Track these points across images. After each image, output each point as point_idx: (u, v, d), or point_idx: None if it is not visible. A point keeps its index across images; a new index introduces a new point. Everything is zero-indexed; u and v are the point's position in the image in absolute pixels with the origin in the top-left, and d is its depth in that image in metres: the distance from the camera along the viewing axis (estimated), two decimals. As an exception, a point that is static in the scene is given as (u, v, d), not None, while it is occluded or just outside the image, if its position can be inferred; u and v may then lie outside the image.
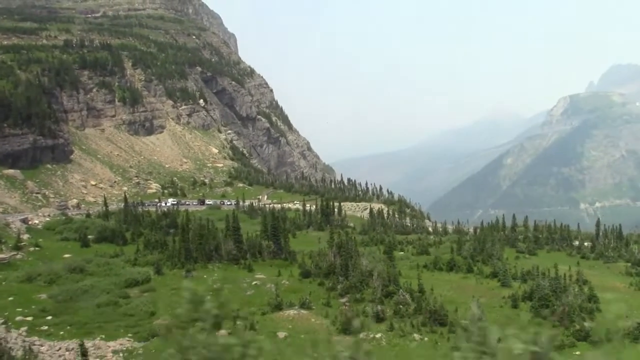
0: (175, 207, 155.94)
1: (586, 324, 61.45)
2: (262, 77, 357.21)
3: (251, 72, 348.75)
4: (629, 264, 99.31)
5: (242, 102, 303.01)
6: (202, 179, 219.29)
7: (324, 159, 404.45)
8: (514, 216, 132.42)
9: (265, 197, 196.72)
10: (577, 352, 54.29)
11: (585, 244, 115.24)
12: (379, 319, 60.66)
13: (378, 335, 55.54)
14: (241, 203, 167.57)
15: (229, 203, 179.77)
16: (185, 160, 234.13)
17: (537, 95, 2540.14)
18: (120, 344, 55.70)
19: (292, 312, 63.57)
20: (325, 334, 56.06)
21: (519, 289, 78.65)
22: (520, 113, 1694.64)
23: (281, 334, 55.80)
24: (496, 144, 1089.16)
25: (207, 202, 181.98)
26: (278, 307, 64.97)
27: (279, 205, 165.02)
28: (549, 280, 69.38)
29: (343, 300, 70.54)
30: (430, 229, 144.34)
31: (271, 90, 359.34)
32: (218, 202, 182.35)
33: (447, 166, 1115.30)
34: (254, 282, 77.36)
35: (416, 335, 56.09)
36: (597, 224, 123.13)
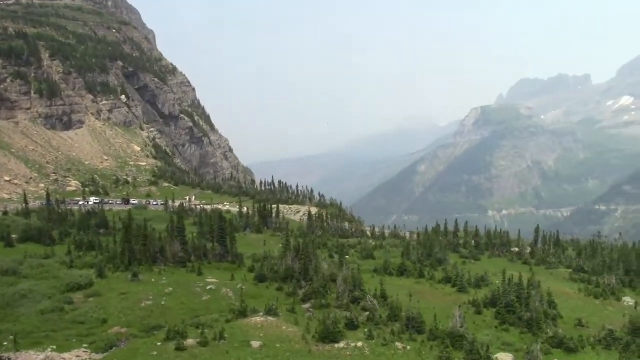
0: (99, 206, 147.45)
1: (560, 330, 61.29)
2: (184, 75, 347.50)
3: (173, 70, 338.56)
4: (571, 270, 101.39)
5: (165, 100, 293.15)
6: (125, 177, 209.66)
7: (241, 161, 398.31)
8: (456, 222, 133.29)
9: (193, 197, 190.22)
10: (555, 360, 53.78)
11: (527, 250, 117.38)
12: (353, 326, 57.96)
13: (359, 344, 52.74)
14: (170, 203, 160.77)
15: (155, 203, 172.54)
16: (106, 157, 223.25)
17: (451, 105, 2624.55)
18: (77, 356, 50.19)
19: (258, 319, 59.72)
20: (302, 344, 52.90)
21: (476, 295, 78.37)
22: (435, 121, 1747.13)
23: (255, 344, 51.96)
24: (411, 151, 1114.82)
25: (132, 201, 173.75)
26: (242, 314, 60.95)
27: (209, 207, 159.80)
28: (514, 286, 68.82)
29: (306, 306, 67.35)
30: (369, 233, 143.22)
31: (193, 89, 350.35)
32: (144, 201, 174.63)
33: (363, 172, 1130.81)
34: (208, 287, 72.75)
35: (398, 344, 53.72)
36: (537, 231, 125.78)
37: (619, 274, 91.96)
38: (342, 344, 52.38)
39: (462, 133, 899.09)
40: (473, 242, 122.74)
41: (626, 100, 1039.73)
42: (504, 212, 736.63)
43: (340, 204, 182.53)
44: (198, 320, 59.35)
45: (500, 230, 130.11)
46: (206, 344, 51.77)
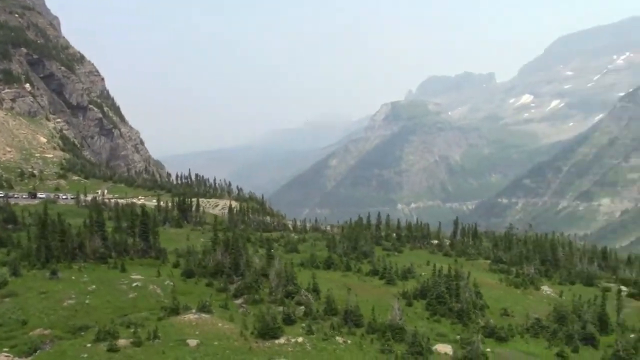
0: (4, 200, 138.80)
1: (491, 320, 62.90)
2: (92, 64, 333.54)
3: (81, 59, 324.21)
4: (489, 261, 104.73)
5: (73, 89, 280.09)
6: (30, 170, 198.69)
7: (151, 154, 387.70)
8: (379, 214, 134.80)
9: (105, 191, 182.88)
10: (488, 349, 55.10)
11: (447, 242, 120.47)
12: (290, 321, 57.13)
13: (300, 340, 51.99)
14: (82, 197, 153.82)
15: (65, 197, 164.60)
16: (9, 149, 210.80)
17: (362, 100, 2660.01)
18: (-1, 361, 46.73)
19: (192, 316, 57.79)
20: (241, 341, 51.59)
21: (404, 287, 79.38)
22: (347, 116, 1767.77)
23: (192, 342, 50.16)
24: (323, 145, 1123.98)
25: (39, 195, 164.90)
26: (174, 312, 58.82)
27: (123, 201, 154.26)
28: (443, 278, 70.10)
29: (239, 301, 65.93)
30: (291, 227, 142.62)
31: (102, 79, 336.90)
32: (52, 195, 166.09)
33: (276, 166, 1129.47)
34: (134, 284, 69.76)
35: (339, 338, 53.38)
36: (456, 223, 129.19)
37: (536, 264, 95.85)
38: (282, 340, 51.51)
39: (373, 128, 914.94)
40: (394, 234, 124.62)
41: (526, 98, 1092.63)
42: (413, 205, 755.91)
43: (262, 197, 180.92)
44: (128, 319, 56.76)
45: (421, 222, 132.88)
46: (140, 343, 49.51)
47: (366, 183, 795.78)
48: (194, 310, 59.56)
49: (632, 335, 58.57)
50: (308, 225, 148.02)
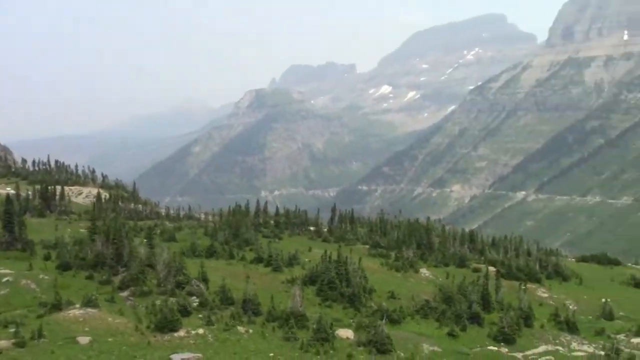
0: None
1: (384, 303, 64.34)
2: None
3: None
4: (368, 246, 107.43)
5: None
6: None
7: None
8: (257, 202, 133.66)
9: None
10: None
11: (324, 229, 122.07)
12: (186, 312, 54.97)
13: (201, 331, 50.09)
14: None
15: None
16: None
17: (225, 87, 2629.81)
18: None
19: (77, 312, 53.84)
20: (137, 335, 48.88)
21: (291, 273, 79.40)
22: (210, 103, 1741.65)
23: (83, 340, 46.65)
24: (185, 132, 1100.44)
25: None
26: (56, 308, 54.49)
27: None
28: (333, 263, 70.76)
29: (125, 294, 62.48)
30: (164, 215, 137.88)
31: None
32: None
33: (135, 152, 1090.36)
34: (4, 279, 63.89)
35: (240, 328, 52.04)
36: (333, 209, 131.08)
37: (413, 248, 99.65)
38: (182, 332, 49.33)
39: (237, 115, 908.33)
40: (272, 221, 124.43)
41: (385, 89, 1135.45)
42: (276, 192, 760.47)
43: (135, 184, 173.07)
44: (3, 318, 51.74)
45: (299, 209, 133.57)
46: (24, 344, 45.24)
47: (230, 170, 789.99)
48: (77, 305, 55.58)
49: (511, 313, 62.43)
50: (182, 213, 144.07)
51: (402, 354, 49.70)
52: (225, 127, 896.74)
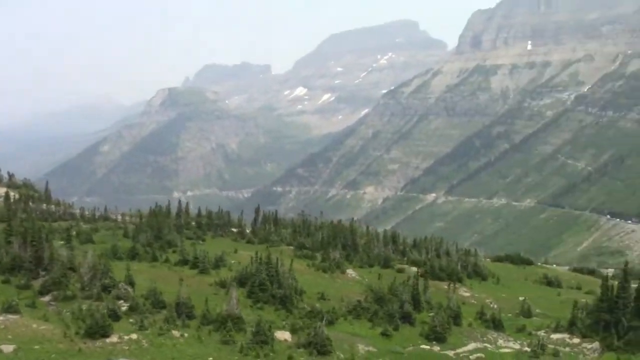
0: None
1: (317, 305, 64.23)
2: None
3: None
4: (292, 247, 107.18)
5: None
6: None
7: None
8: (179, 202, 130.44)
9: None
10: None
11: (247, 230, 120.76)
12: (116, 317, 52.77)
13: (134, 337, 48.17)
14: None
15: None
16: None
17: (137, 85, 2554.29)
18: None
19: (-4, 319, 50.64)
20: (66, 342, 46.49)
21: (218, 275, 78.07)
22: (121, 101, 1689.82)
23: (7, 348, 43.82)
24: (93, 130, 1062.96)
25: None
26: (-27, 314, 51.11)
27: None
28: (264, 265, 70.04)
29: (46, 299, 59.33)
30: (79, 216, 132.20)
31: None
32: None
33: (40, 151, 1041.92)
34: None
35: (175, 332, 50.43)
36: (257, 210, 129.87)
37: (339, 249, 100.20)
38: (114, 338, 47.25)
39: (149, 113, 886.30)
40: (194, 223, 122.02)
41: (300, 91, 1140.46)
42: (189, 193, 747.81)
43: (47, 184, 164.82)
44: None
45: (222, 209, 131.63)
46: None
47: (141, 170, 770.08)
48: (-5, 312, 52.23)
49: (442, 312, 63.93)
50: (97, 214, 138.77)
51: (341, 355, 49.82)
52: (136, 126, 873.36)
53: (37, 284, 61.91)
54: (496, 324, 64.29)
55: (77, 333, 47.65)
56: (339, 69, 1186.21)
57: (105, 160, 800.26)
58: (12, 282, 63.58)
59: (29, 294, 60.02)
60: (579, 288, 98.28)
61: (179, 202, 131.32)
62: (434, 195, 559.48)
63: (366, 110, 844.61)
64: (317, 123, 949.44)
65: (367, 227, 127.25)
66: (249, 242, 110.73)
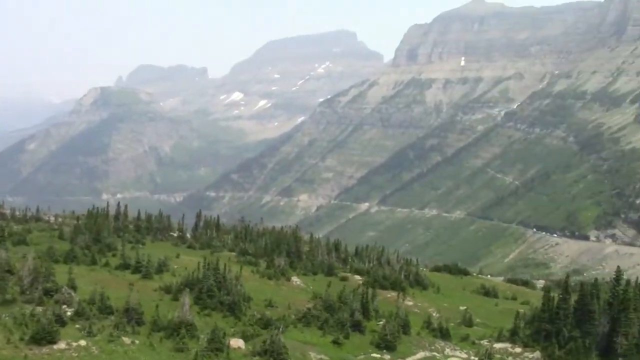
0: None
1: (267, 312, 63.64)
2: None
3: None
4: (234, 253, 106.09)
5: None
6: None
7: None
8: (119, 204, 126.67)
9: None
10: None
11: (188, 235, 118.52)
12: (61, 322, 50.71)
13: (83, 343, 46.37)
14: None
15: None
16: None
17: (68, 82, 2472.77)
18: None
19: None
20: (10, 349, 44.38)
21: (161, 281, 76.44)
22: (50, 98, 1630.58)
23: (-54, 354, 41.48)
24: (19, 128, 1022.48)
25: None
26: None
27: None
28: (212, 271, 68.98)
29: (-18, 303, 56.44)
30: (9, 216, 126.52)
31: None
32: None
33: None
34: None
35: (125, 339, 48.83)
36: (198, 215, 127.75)
37: (283, 256, 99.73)
38: (62, 345, 45.38)
39: (79, 112, 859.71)
40: (132, 226, 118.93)
41: (237, 96, 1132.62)
42: (119, 195, 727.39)
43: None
44: None
45: (162, 213, 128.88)
46: None
47: (69, 170, 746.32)
48: None
49: (393, 321, 64.51)
50: (29, 214, 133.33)
51: (296, 363, 49.57)
52: (65, 125, 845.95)
53: (-28, 287, 58.89)
54: (443, 333, 65.44)
55: (21, 339, 45.55)
56: (277, 75, 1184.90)
57: (31, 159, 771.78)
58: (-57, 285, 60.28)
59: (-34, 298, 57.09)
60: (514, 298, 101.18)
61: (118, 204, 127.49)
62: (367, 204, 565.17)
63: (302, 118, 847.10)
64: (252, 129, 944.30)
65: (311, 235, 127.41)
66: (190, 247, 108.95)
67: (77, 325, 51.21)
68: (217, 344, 47.64)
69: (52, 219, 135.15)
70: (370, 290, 73.19)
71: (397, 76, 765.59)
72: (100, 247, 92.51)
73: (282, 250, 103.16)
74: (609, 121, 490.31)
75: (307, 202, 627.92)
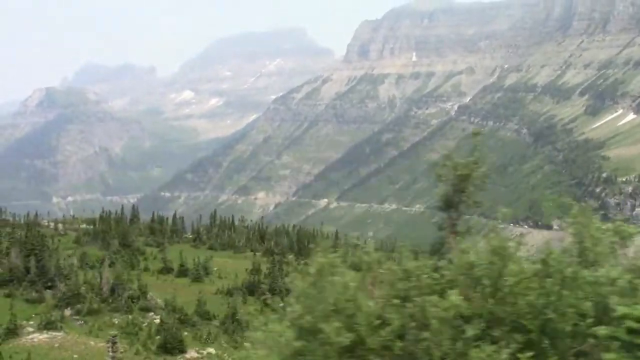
0: None
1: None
2: None
3: None
4: (257, 253, 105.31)
5: None
6: None
7: None
8: (134, 206, 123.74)
9: None
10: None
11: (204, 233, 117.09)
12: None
13: (212, 351, 45.67)
14: None
15: None
16: None
17: (9, 83, 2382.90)
18: None
19: (41, 336, 46.16)
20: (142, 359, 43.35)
21: (212, 284, 75.70)
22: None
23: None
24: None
25: None
26: (12, 332, 46.18)
27: None
28: (279, 273, 68.62)
29: (68, 313, 54.77)
30: (10, 221, 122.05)
31: None
32: None
33: None
34: None
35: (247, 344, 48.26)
36: (213, 215, 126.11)
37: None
38: (193, 353, 44.64)
39: (24, 114, 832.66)
40: (141, 229, 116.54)
41: (187, 94, 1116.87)
42: (70, 198, 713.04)
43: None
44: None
45: (177, 215, 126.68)
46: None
47: (14, 175, 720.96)
48: (31, 329, 47.58)
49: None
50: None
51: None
52: (9, 127, 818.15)
53: (55, 297, 56.97)
54: None
55: (147, 348, 44.43)
56: (227, 73, 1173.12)
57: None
58: (17, 295, 57.98)
59: (43, 308, 55.16)
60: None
61: (134, 206, 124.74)
62: (325, 200, 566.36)
63: (255, 116, 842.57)
64: (205, 127, 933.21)
65: (337, 232, 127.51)
66: (210, 248, 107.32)
67: (185, 333, 50.22)
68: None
69: (50, 224, 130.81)
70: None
71: (349, 72, 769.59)
72: (132, 251, 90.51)
73: (304, 247, 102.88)
74: (560, 113, 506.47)
75: (264, 200, 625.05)
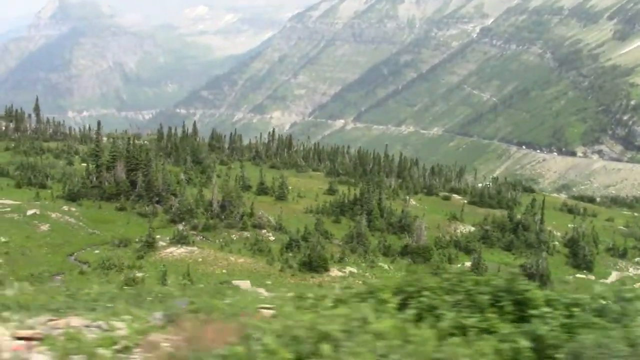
0: None
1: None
2: None
3: None
4: (319, 173, 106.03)
5: None
6: None
7: None
8: (183, 124, 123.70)
9: None
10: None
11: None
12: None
13: (354, 270, 46.84)
14: None
15: None
16: None
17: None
18: None
19: (177, 250, 47.28)
20: (288, 276, 44.54)
21: (295, 203, 76.58)
22: (3, 11, 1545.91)
23: (246, 284, 41.25)
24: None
25: None
26: (150, 246, 47.37)
27: None
28: (374, 194, 69.35)
29: (181, 228, 55.87)
30: (69, 134, 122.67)
31: None
32: None
33: None
34: (29, 212, 53.50)
35: (383, 265, 49.48)
36: (272, 134, 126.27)
37: (390, 178, 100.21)
38: (336, 271, 45.78)
39: (38, 26, 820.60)
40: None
41: (202, 9, 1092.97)
42: (85, 113, 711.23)
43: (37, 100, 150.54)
44: (104, 263, 43.77)
45: (234, 134, 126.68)
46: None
47: (31, 87, 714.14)
48: (164, 243, 48.68)
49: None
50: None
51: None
52: (24, 39, 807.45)
53: (169, 212, 58.01)
54: (621, 254, 66.73)
55: (289, 266, 45.52)
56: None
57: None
58: (127, 209, 59.01)
59: (158, 223, 56.28)
60: (594, 215, 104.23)
61: (183, 123, 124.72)
62: (342, 121, 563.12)
63: (271, 33, 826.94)
64: (219, 44, 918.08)
65: (401, 155, 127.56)
66: (273, 167, 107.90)
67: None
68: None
69: (105, 139, 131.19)
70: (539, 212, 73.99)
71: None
72: (202, 169, 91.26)
73: (372, 170, 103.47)
74: (586, 37, 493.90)
75: (280, 120, 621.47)
